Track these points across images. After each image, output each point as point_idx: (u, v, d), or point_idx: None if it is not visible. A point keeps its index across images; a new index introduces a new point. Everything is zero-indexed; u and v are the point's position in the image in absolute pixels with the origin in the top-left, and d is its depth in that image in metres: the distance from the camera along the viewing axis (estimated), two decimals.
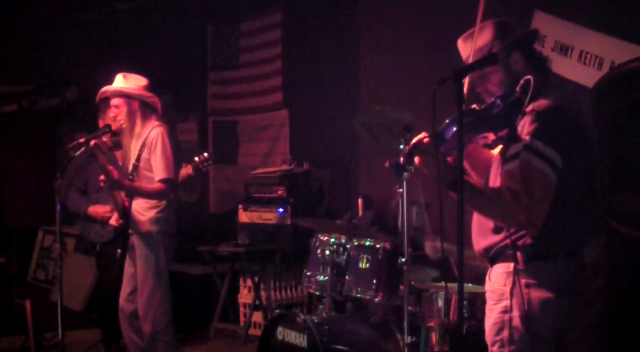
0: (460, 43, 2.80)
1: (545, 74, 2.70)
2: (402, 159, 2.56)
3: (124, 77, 4.52)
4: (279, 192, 6.21)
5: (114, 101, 4.48)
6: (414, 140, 2.57)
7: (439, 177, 2.46)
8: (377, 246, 4.27)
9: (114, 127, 4.54)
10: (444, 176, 2.47)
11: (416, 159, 2.54)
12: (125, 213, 4.43)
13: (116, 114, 4.48)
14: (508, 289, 2.59)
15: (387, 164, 2.61)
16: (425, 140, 2.53)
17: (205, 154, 5.29)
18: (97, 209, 5.21)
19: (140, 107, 4.48)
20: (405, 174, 2.79)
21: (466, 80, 2.68)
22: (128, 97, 4.45)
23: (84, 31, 7.18)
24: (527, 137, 2.50)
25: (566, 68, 4.47)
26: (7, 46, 6.83)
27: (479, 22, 2.71)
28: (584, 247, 2.61)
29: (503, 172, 2.56)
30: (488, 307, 2.69)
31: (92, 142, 4.34)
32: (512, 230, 2.57)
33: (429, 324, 3.82)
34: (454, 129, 2.49)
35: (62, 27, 7.07)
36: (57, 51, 7.01)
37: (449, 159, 2.58)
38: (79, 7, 7.09)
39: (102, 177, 4.23)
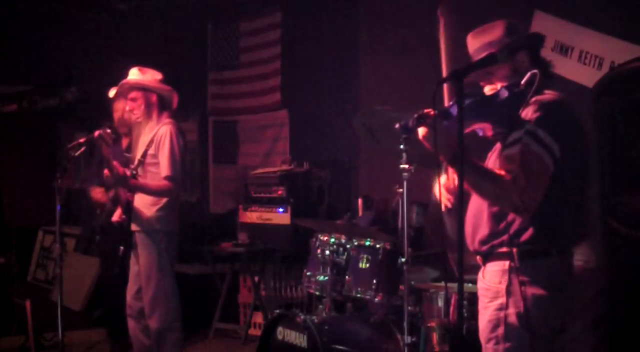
0: (469, 38, 2.80)
1: (548, 79, 2.71)
2: (411, 122, 2.55)
3: (140, 70, 4.47)
4: (279, 192, 6.21)
5: (132, 94, 4.43)
6: (421, 112, 2.56)
7: (440, 151, 2.46)
8: (377, 246, 4.27)
9: (129, 118, 4.49)
10: (446, 150, 2.47)
11: (422, 130, 2.54)
12: (129, 209, 4.39)
13: (132, 107, 4.43)
14: (503, 286, 2.59)
15: (397, 126, 2.61)
16: (432, 113, 2.52)
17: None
18: (96, 192, 5.08)
19: (158, 100, 4.45)
20: (405, 174, 2.77)
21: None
22: (146, 90, 4.41)
23: (84, 31, 7.18)
24: (530, 124, 2.52)
25: (566, 68, 4.47)
26: (7, 46, 6.84)
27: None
28: (574, 246, 2.64)
29: (503, 156, 2.58)
30: (482, 304, 2.70)
31: (97, 133, 4.21)
32: (509, 230, 2.58)
33: (429, 324, 3.82)
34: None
35: (62, 27, 7.07)
36: (57, 51, 7.02)
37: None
38: (79, 7, 7.10)
39: (106, 171, 4.18)
